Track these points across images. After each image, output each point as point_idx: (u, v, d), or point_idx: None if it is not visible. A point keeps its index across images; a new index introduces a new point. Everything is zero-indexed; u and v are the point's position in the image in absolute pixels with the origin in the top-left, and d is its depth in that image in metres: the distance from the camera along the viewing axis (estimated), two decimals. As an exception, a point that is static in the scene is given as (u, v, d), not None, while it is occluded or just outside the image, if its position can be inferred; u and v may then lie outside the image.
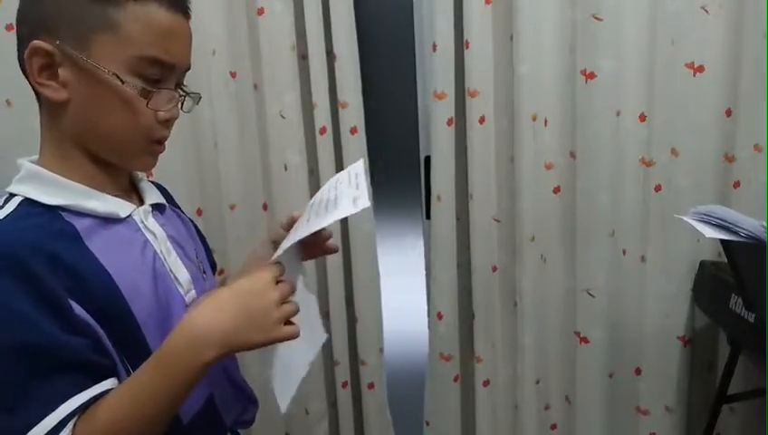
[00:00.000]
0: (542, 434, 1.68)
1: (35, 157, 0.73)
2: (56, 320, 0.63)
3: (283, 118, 1.52)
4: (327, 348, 1.67)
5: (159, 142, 0.75)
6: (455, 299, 1.61)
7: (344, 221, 1.60)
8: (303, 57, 1.51)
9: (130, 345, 0.69)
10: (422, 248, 1.74)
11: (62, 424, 0.61)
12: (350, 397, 1.69)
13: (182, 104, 0.76)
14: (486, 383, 1.64)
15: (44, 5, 0.68)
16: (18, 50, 0.70)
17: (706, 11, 1.38)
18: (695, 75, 1.42)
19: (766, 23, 1.35)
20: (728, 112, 1.45)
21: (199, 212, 1.54)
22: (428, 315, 1.65)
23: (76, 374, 0.64)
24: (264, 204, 1.59)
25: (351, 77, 1.51)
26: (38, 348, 0.62)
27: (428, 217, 1.62)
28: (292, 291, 0.70)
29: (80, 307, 0.65)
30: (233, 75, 1.50)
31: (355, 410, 1.71)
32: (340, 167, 1.58)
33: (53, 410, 0.61)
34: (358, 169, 0.78)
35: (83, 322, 0.65)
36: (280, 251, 0.71)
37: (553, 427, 1.68)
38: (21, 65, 0.70)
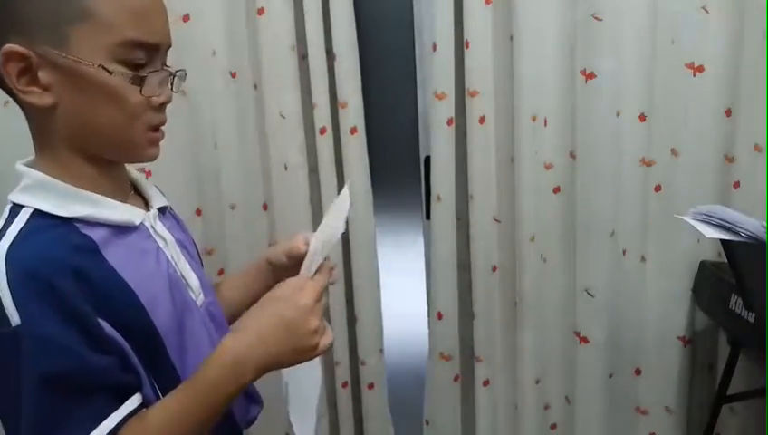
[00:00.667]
0: (542, 434, 1.68)
1: (31, 159, 0.70)
2: (87, 341, 0.61)
3: (283, 118, 1.51)
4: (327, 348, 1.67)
5: (157, 129, 0.71)
6: (455, 299, 1.61)
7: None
8: (303, 57, 1.51)
9: (153, 357, 0.69)
10: (422, 248, 1.74)
11: None
12: (350, 397, 1.69)
13: (172, 84, 0.71)
14: (486, 383, 1.64)
15: (9, 5, 0.63)
16: None
17: (706, 11, 1.38)
18: (695, 75, 1.42)
19: (766, 23, 1.35)
20: (728, 112, 1.45)
21: (199, 212, 1.54)
22: (428, 315, 1.65)
23: (106, 395, 0.63)
24: (264, 204, 1.59)
25: (351, 77, 1.51)
26: (71, 373, 0.60)
27: (428, 217, 1.62)
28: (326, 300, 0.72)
29: (108, 325, 0.64)
30: (233, 75, 1.50)
31: (355, 410, 1.71)
32: (340, 167, 1.58)
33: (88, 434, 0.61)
34: (345, 204, 0.80)
35: (112, 340, 0.64)
36: (312, 267, 0.73)
37: (553, 427, 1.68)
38: None
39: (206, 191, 1.54)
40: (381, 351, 1.68)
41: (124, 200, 0.72)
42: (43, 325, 0.59)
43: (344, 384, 1.67)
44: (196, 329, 0.74)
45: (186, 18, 1.44)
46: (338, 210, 0.79)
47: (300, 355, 0.69)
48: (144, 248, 0.72)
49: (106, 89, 0.65)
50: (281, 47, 1.48)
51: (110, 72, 0.64)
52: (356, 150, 1.54)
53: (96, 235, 0.66)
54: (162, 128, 0.72)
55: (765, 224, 0.93)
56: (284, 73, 1.49)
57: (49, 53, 0.63)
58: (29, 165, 0.69)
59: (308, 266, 0.74)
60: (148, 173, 1.43)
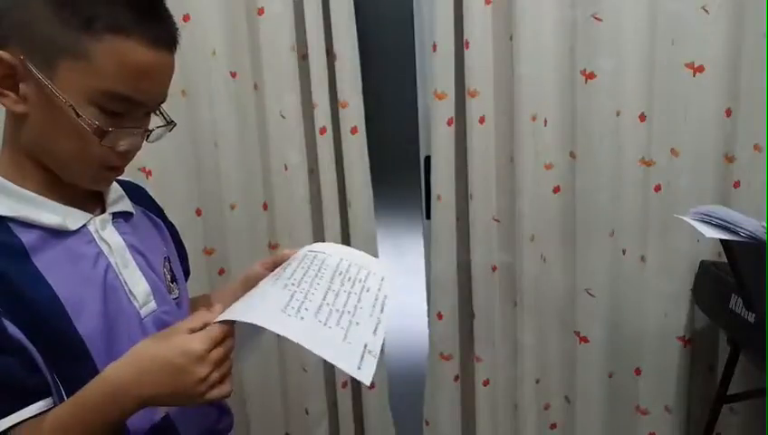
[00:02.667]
0: (542, 434, 1.68)
1: None
2: None
3: (283, 118, 1.52)
4: (327, 348, 1.67)
5: (115, 169, 0.72)
6: (455, 299, 1.61)
7: (344, 221, 1.60)
8: (303, 57, 1.51)
9: (72, 361, 0.67)
10: (422, 248, 1.74)
11: None
12: (350, 397, 1.69)
13: (148, 135, 0.71)
14: (486, 383, 1.64)
15: (17, 16, 0.64)
16: None
17: (706, 11, 1.38)
18: (695, 75, 1.42)
19: (766, 23, 1.35)
20: (728, 112, 1.45)
21: (199, 212, 1.54)
22: (428, 315, 1.65)
23: (5, 395, 0.62)
24: (264, 204, 1.59)
25: (351, 77, 1.51)
26: None
27: (428, 217, 1.62)
28: (231, 350, 0.66)
29: (13, 326, 0.62)
30: (233, 75, 1.50)
31: (355, 410, 1.72)
32: (340, 167, 1.58)
33: None
34: (387, 291, 0.75)
35: (16, 340, 0.62)
36: (226, 317, 0.65)
37: (553, 426, 1.68)
38: None
39: (206, 191, 1.54)
40: (382, 351, 1.68)
41: (77, 204, 0.72)
42: None
43: (344, 384, 1.67)
44: (131, 337, 0.71)
45: (186, 18, 1.44)
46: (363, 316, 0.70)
47: (182, 400, 0.66)
48: (80, 253, 0.70)
49: (71, 126, 0.65)
50: (281, 47, 1.48)
51: (78, 116, 0.64)
52: (356, 150, 1.54)
53: (27, 236, 0.66)
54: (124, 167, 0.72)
55: (765, 224, 0.93)
56: (284, 73, 1.49)
57: (33, 73, 0.63)
58: None
59: (229, 310, 0.66)
60: (149, 173, 1.44)
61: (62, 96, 0.64)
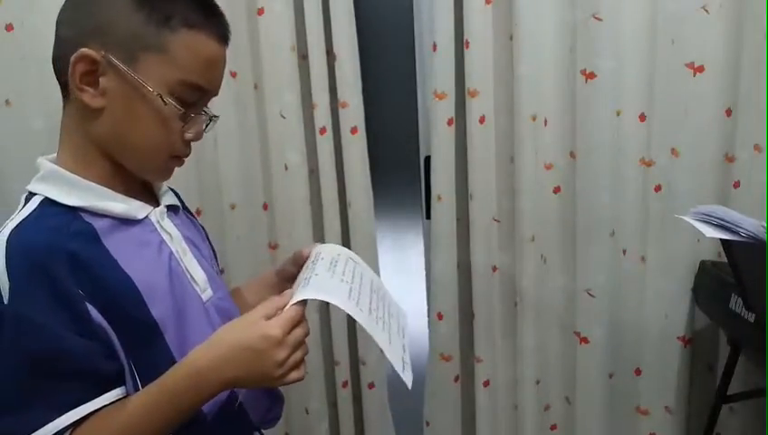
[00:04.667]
0: (542, 434, 1.68)
1: (53, 155, 0.75)
2: (72, 324, 0.64)
3: (283, 118, 1.52)
4: (327, 348, 1.67)
5: (179, 159, 0.78)
6: (455, 299, 1.61)
7: (344, 221, 1.60)
8: (303, 57, 1.51)
9: (147, 344, 0.70)
10: (422, 248, 1.74)
11: (60, 433, 0.62)
12: (351, 397, 1.69)
13: (206, 126, 0.78)
14: (486, 383, 1.64)
15: (98, 15, 0.69)
16: (57, 49, 0.72)
17: (706, 11, 1.38)
18: (695, 75, 1.42)
19: (766, 23, 1.35)
20: (728, 112, 1.45)
21: (199, 212, 1.54)
22: (428, 315, 1.65)
23: (85, 382, 0.65)
24: (264, 204, 1.60)
25: (351, 77, 1.51)
26: (51, 353, 0.63)
27: (428, 217, 1.62)
28: (306, 335, 0.70)
29: (96, 311, 0.65)
30: (233, 75, 1.50)
31: (355, 410, 1.71)
32: (340, 167, 1.57)
33: (54, 419, 0.62)
34: (404, 325, 0.81)
35: (98, 326, 0.66)
36: (303, 296, 0.69)
37: (553, 427, 1.68)
38: (55, 63, 0.72)
39: (206, 191, 1.54)
40: (381, 351, 1.68)
41: (134, 197, 0.76)
42: (28, 305, 0.62)
43: (344, 384, 1.67)
44: (198, 321, 0.76)
45: (186, 18, 1.44)
46: (394, 314, 0.79)
47: (262, 383, 0.69)
48: (146, 240, 0.75)
49: (155, 114, 0.71)
50: (281, 47, 1.48)
51: (165, 103, 0.70)
52: (356, 150, 1.54)
53: (98, 224, 0.70)
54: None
55: (765, 224, 0.93)
56: (284, 73, 1.49)
57: (118, 66, 0.69)
58: (50, 160, 0.74)
59: (301, 291, 0.71)
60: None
61: (149, 87, 0.69)
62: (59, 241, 0.66)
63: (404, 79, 1.66)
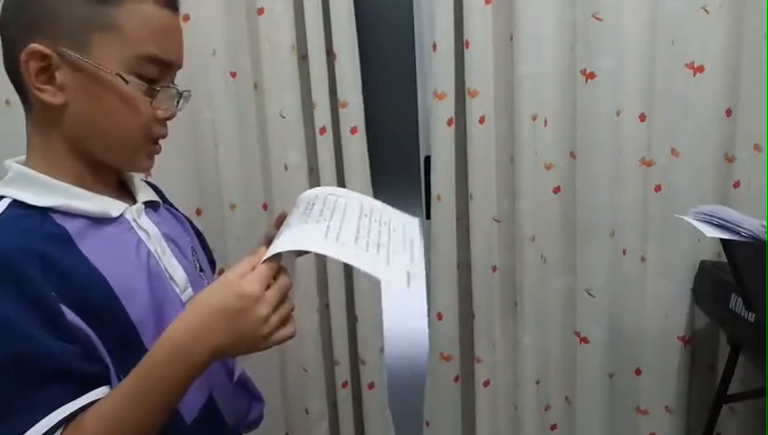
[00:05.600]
0: (542, 434, 1.68)
1: (22, 157, 0.72)
2: (47, 327, 0.61)
3: (283, 118, 1.51)
4: (327, 348, 1.67)
5: (156, 141, 0.74)
6: (455, 299, 1.61)
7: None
8: (303, 57, 1.51)
9: (126, 347, 0.68)
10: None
11: (48, 434, 0.60)
12: (350, 397, 1.69)
13: (178, 102, 0.75)
14: (486, 383, 1.64)
15: (36, 7, 0.66)
16: (7, 54, 0.68)
17: (706, 11, 1.38)
18: (695, 75, 1.42)
19: (766, 23, 1.35)
20: (728, 112, 1.45)
21: (199, 212, 1.54)
22: (428, 315, 1.65)
23: (66, 383, 0.62)
24: (264, 204, 1.59)
25: (351, 77, 1.51)
26: (27, 356, 0.60)
27: (428, 217, 1.62)
28: (287, 288, 0.66)
29: (72, 313, 0.63)
30: (233, 75, 1.50)
31: (355, 410, 1.71)
32: (340, 167, 1.57)
33: (40, 420, 0.60)
34: (414, 235, 0.74)
35: (76, 327, 0.63)
36: (274, 250, 0.65)
37: (553, 427, 1.68)
38: (9, 71, 0.69)
39: (206, 191, 1.54)
40: (381, 350, 1.68)
41: (109, 195, 0.74)
42: (2, 308, 0.60)
43: (344, 384, 1.67)
44: None
45: (186, 18, 1.44)
46: (396, 229, 0.72)
47: (249, 345, 0.65)
48: (123, 239, 0.72)
49: (120, 96, 0.68)
50: (281, 47, 1.48)
51: (127, 82, 0.67)
52: (356, 150, 1.54)
53: (71, 225, 0.68)
54: (160, 142, 0.75)
55: (765, 224, 0.93)
56: (284, 73, 1.49)
57: (70, 56, 0.66)
58: (18, 162, 0.71)
59: (272, 246, 0.66)
60: (149, 173, 1.44)
61: (107, 69, 0.66)
62: (30, 243, 0.63)
63: (404, 79, 1.66)
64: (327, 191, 0.81)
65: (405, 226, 0.77)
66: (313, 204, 0.76)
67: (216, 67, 1.47)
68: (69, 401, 0.62)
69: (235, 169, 1.54)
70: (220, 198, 1.54)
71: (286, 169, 1.54)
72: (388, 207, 0.82)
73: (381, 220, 0.76)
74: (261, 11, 1.46)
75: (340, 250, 0.65)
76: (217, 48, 1.46)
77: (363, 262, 0.64)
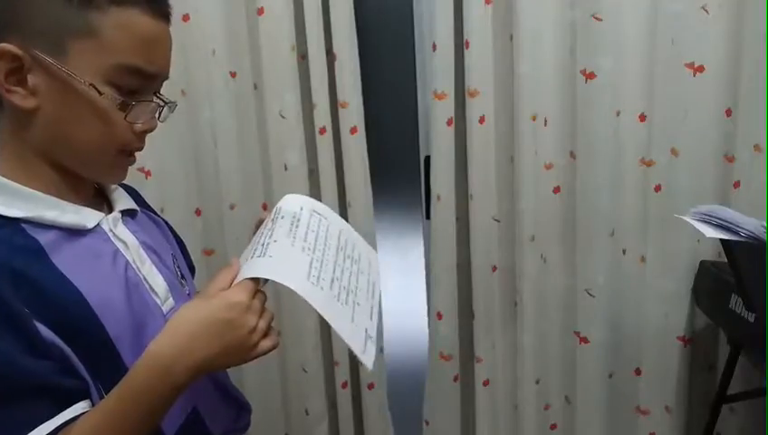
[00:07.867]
0: (542, 434, 1.68)
1: None
2: (20, 343, 0.59)
3: (283, 118, 1.51)
4: (327, 348, 1.67)
5: (131, 154, 0.71)
6: (455, 299, 1.61)
7: (344, 220, 1.60)
8: (303, 57, 1.51)
9: (104, 362, 0.65)
10: (422, 248, 1.74)
11: None
12: (350, 397, 1.69)
13: (159, 114, 0.71)
14: (486, 383, 1.64)
15: (14, 5, 0.63)
16: None
17: (706, 11, 1.38)
18: (695, 75, 1.42)
19: (766, 23, 1.35)
20: (728, 112, 1.45)
21: (199, 212, 1.54)
22: (428, 315, 1.65)
23: (44, 399, 0.60)
24: (263, 204, 1.59)
25: (351, 77, 1.50)
26: (1, 375, 0.58)
27: (428, 217, 1.62)
28: (266, 299, 0.67)
29: (46, 328, 0.60)
30: (233, 75, 1.50)
31: (355, 410, 1.71)
32: (340, 167, 1.57)
33: None
34: (375, 274, 0.77)
35: (51, 344, 0.61)
36: (259, 274, 0.66)
37: (553, 427, 1.68)
38: None
39: (206, 191, 1.54)
40: (381, 351, 1.68)
41: (84, 204, 0.70)
42: None
43: (344, 384, 1.67)
44: (158, 335, 0.70)
45: (186, 18, 1.44)
46: (364, 273, 0.75)
47: (234, 357, 0.65)
48: (99, 251, 0.69)
49: (92, 107, 0.64)
50: (281, 47, 1.48)
51: (100, 94, 0.64)
52: (356, 150, 1.54)
53: (44, 237, 0.64)
54: (137, 154, 0.72)
55: (765, 224, 0.93)
56: (284, 73, 1.49)
57: (43, 60, 0.62)
58: None
59: (257, 265, 0.67)
60: (148, 173, 1.44)
61: (80, 78, 0.63)
62: (0, 258, 0.60)
63: (404, 79, 1.66)
64: (309, 207, 0.80)
65: (370, 264, 0.80)
66: (299, 220, 0.76)
67: (216, 67, 1.47)
68: (48, 419, 0.60)
69: (235, 169, 1.54)
70: (220, 198, 1.54)
71: (286, 169, 1.54)
72: (354, 233, 0.85)
73: (353, 256, 0.78)
74: (261, 11, 1.46)
75: (316, 298, 0.66)
76: (217, 48, 1.46)
77: (333, 319, 0.66)
